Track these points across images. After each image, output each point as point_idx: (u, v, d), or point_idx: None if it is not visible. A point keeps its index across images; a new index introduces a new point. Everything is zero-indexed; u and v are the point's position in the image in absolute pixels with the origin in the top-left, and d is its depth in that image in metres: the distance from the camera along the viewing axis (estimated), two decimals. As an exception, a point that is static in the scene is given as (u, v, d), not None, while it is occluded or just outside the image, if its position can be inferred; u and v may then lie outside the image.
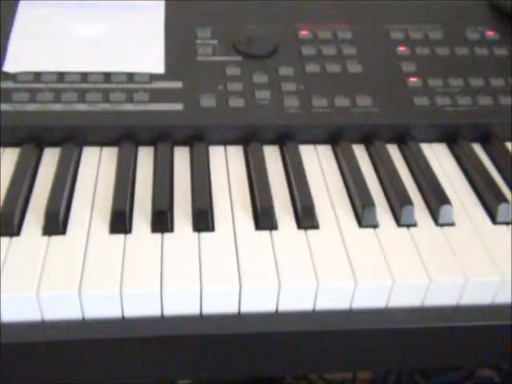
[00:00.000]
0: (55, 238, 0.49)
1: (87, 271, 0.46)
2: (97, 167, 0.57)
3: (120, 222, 0.50)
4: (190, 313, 0.47)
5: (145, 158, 0.59)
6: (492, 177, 0.58)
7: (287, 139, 0.60)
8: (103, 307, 0.46)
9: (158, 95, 0.60)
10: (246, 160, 0.59)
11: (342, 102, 0.61)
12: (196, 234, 0.51)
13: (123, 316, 0.47)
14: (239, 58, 0.65)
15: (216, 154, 0.60)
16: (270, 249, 0.50)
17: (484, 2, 0.74)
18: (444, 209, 0.53)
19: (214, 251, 0.49)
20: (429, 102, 0.63)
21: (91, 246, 0.49)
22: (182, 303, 0.47)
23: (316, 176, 0.58)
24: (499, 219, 0.54)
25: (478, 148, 0.63)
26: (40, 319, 0.46)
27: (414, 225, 0.53)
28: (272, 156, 0.60)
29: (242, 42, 0.66)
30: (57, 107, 0.58)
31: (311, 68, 0.65)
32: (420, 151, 0.61)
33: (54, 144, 0.58)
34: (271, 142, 0.61)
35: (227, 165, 0.59)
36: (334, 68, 0.65)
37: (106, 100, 0.59)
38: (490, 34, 0.70)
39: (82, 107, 0.59)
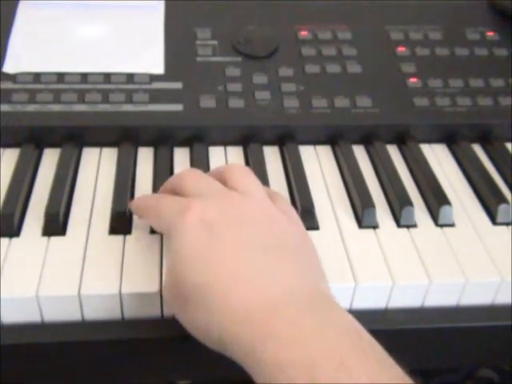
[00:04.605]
0: (55, 239, 0.49)
1: (87, 272, 0.46)
2: (97, 168, 0.57)
3: (120, 223, 0.50)
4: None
5: (145, 158, 0.59)
6: (492, 177, 0.58)
7: (287, 139, 0.60)
8: (103, 308, 0.46)
9: (157, 96, 0.60)
10: (245, 160, 0.59)
11: (341, 102, 0.61)
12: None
13: (123, 317, 0.47)
14: (239, 59, 0.65)
15: (216, 154, 0.60)
16: (269, 249, 0.49)
17: (484, 2, 0.74)
18: (444, 209, 0.53)
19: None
20: (429, 102, 0.62)
21: (91, 247, 0.49)
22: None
23: (316, 176, 0.58)
24: (499, 220, 0.54)
25: (477, 148, 0.63)
26: (40, 320, 0.46)
27: (414, 225, 0.53)
28: (272, 156, 0.60)
29: (242, 43, 0.66)
30: (56, 108, 0.58)
31: (311, 68, 0.65)
32: (420, 152, 0.61)
33: (53, 145, 0.58)
34: (271, 143, 0.61)
35: (227, 165, 0.59)
36: (333, 68, 0.65)
37: (106, 101, 0.59)
38: (490, 34, 0.70)
39: (81, 108, 0.58)
